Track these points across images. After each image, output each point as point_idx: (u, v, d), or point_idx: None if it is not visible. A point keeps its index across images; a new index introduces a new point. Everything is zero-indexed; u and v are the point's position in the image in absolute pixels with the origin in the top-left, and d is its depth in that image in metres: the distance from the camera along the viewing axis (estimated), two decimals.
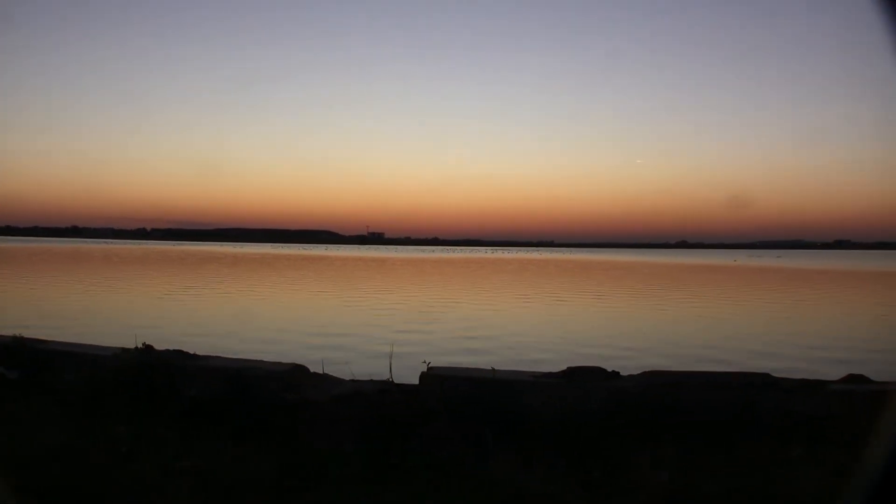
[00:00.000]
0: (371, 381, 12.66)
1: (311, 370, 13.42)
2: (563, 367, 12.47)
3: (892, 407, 3.86)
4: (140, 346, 13.20)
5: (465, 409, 10.84)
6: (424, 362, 12.28)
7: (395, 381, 12.24)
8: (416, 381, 12.10)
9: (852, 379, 12.62)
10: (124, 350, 13.09)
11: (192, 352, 13.84)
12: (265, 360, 14.17)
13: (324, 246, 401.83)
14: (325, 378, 13.16)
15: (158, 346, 13.45)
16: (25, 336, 14.72)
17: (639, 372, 12.84)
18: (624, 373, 12.65)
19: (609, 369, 12.51)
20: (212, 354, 14.36)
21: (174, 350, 13.64)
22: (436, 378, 12.00)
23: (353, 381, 12.92)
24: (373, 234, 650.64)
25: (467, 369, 13.03)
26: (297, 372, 13.02)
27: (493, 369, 12.17)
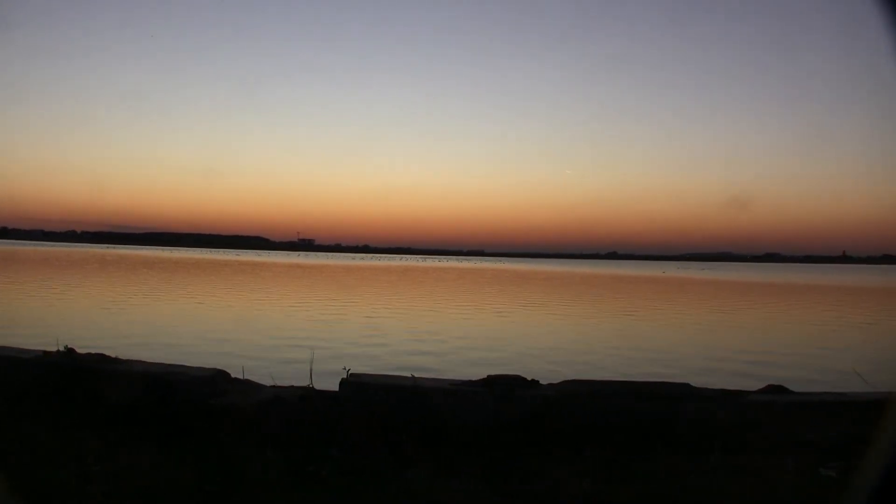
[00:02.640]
0: (292, 387, 12.62)
1: (233, 376, 13.38)
2: (484, 376, 12.56)
3: (890, 416, 3.92)
4: (62, 349, 13.09)
5: (385, 416, 10.87)
6: (345, 369, 12.30)
7: (317, 387, 12.24)
8: (337, 388, 12.13)
9: (772, 389, 12.79)
10: (46, 353, 12.97)
11: (114, 356, 13.74)
12: (188, 365, 14.11)
13: (255, 252, 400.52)
14: (246, 384, 13.10)
15: (80, 350, 13.36)
16: None
17: (560, 381, 12.94)
18: (545, 382, 12.75)
19: (529, 378, 12.60)
20: (134, 359, 14.25)
21: (96, 354, 13.50)
22: (356, 385, 12.01)
23: (274, 387, 12.86)
24: (303, 240, 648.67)
25: (388, 377, 13.02)
26: (219, 377, 12.94)
27: (414, 377, 12.20)
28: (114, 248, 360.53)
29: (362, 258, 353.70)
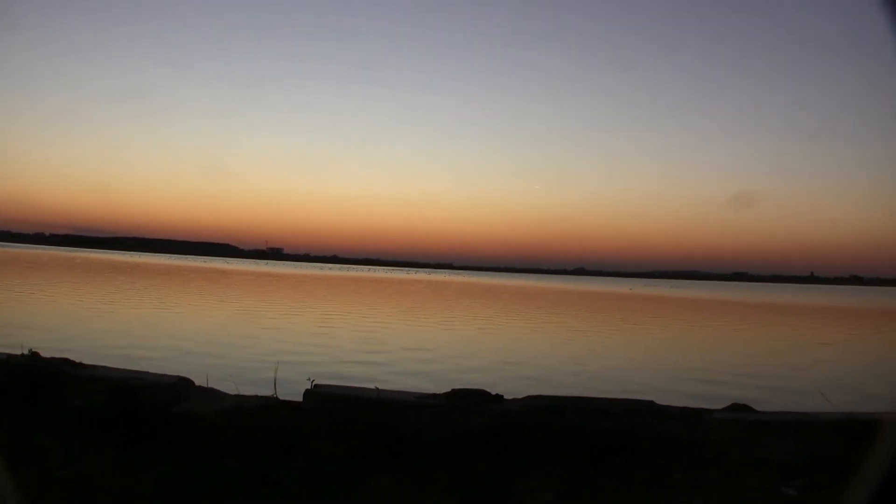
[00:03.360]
0: (256, 396, 12.64)
1: (197, 383, 13.37)
2: (449, 389, 12.60)
3: (887, 432, 3.98)
4: (26, 353, 13.07)
5: (349, 427, 10.89)
6: (309, 380, 12.33)
7: (280, 397, 12.27)
8: (301, 399, 12.16)
9: (736, 408, 12.87)
10: (10, 357, 12.94)
11: (78, 361, 13.71)
12: (151, 371, 14.09)
13: (223, 259, 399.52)
14: (210, 392, 13.10)
15: (45, 355, 13.33)
16: None
17: (524, 396, 13.00)
18: (509, 396, 12.80)
19: (493, 392, 12.65)
20: (99, 364, 14.23)
21: (61, 358, 13.47)
22: (319, 396, 12.06)
23: (237, 395, 12.87)
24: (272, 249, 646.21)
25: (351, 388, 13.07)
26: (182, 384, 12.94)
27: (377, 389, 12.24)
28: (82, 251, 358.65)
29: (330, 268, 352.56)
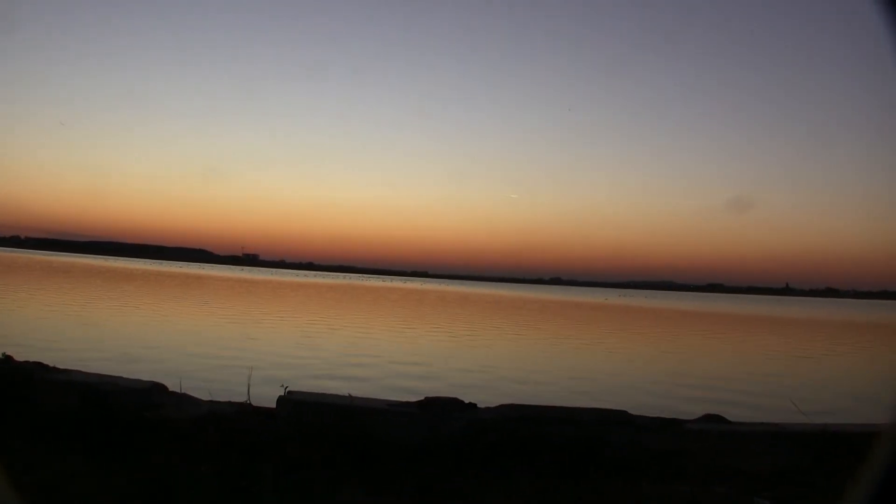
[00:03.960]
0: (229, 402, 12.63)
1: (170, 389, 13.34)
2: (422, 397, 12.62)
3: (886, 436, 3.96)
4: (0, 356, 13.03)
5: (321, 434, 10.87)
6: (283, 386, 12.31)
7: (254, 404, 12.25)
8: (275, 405, 12.14)
9: (709, 418, 12.91)
10: None
11: (52, 365, 13.66)
12: (125, 376, 14.05)
13: (198, 265, 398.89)
14: (183, 398, 13.07)
15: (18, 358, 13.28)
16: None
17: (497, 405, 13.01)
18: (482, 405, 12.81)
19: (466, 401, 12.67)
20: (73, 369, 14.18)
21: (34, 362, 13.42)
22: (293, 403, 12.04)
23: (211, 401, 12.84)
24: (248, 255, 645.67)
25: (325, 395, 13.05)
26: (155, 390, 12.90)
27: (351, 396, 12.23)
28: (58, 255, 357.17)
29: (306, 275, 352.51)
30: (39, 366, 13.29)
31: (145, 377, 14.17)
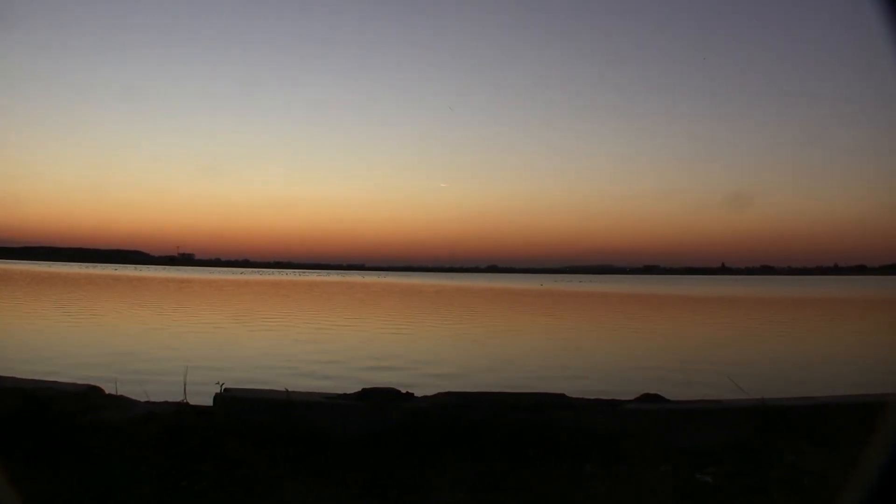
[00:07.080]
0: (166, 402, 12.54)
1: (107, 392, 13.24)
2: (359, 389, 12.63)
3: (888, 419, 4.01)
4: None
5: (260, 430, 10.84)
6: (219, 384, 12.27)
7: (191, 402, 12.20)
8: (212, 403, 12.10)
9: (647, 398, 12.98)
10: None
11: None
12: (60, 380, 13.95)
13: (133, 266, 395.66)
14: (120, 399, 12.95)
15: None
16: None
17: (434, 393, 13.03)
18: (420, 394, 12.84)
19: (403, 390, 12.70)
20: (5, 375, 14.07)
21: None
22: (230, 400, 11.99)
23: (148, 402, 12.73)
24: (183, 254, 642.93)
25: (261, 391, 12.98)
26: (92, 393, 12.77)
27: (287, 391, 12.20)
28: None
29: (241, 272, 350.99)
30: None
31: (80, 381, 14.07)
